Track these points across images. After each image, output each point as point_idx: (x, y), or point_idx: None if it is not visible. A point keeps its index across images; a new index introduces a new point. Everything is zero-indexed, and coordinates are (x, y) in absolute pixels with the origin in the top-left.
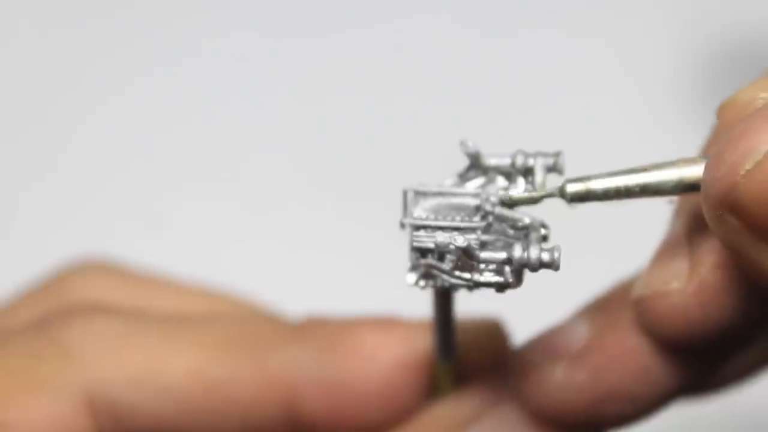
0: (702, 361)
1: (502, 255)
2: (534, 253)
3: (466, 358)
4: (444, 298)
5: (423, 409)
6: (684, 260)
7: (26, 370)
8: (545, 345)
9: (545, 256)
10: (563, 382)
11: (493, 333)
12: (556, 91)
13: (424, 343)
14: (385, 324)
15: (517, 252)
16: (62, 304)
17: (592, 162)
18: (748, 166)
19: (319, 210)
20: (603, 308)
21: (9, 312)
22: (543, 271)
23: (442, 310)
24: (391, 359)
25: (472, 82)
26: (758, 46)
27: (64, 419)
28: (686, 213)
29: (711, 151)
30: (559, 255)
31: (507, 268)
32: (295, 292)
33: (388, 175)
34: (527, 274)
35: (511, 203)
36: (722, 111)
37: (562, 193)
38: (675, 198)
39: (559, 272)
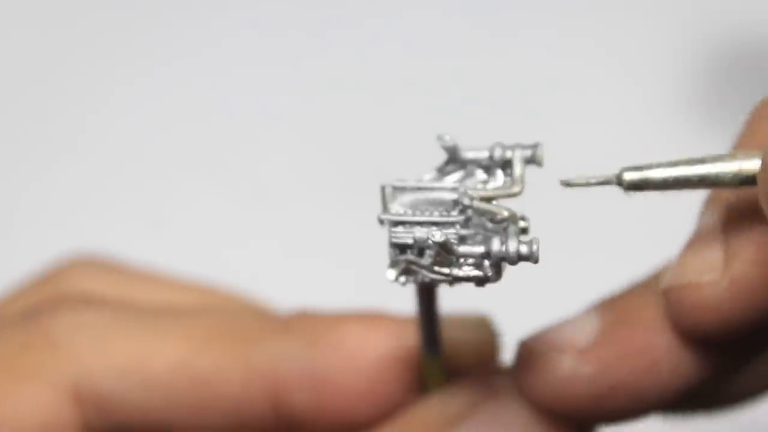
0: (718, 359)
1: (480, 249)
2: (512, 246)
3: (455, 354)
4: (427, 293)
5: (412, 404)
6: (718, 252)
7: (13, 360)
8: (554, 336)
9: (524, 249)
10: (570, 374)
11: (482, 329)
12: (556, 91)
13: (410, 338)
14: (371, 319)
15: (496, 245)
16: (51, 296)
17: (592, 162)
18: None
19: (316, 208)
20: (616, 304)
21: (0, 306)
22: (524, 265)
23: (425, 305)
24: (376, 354)
25: (471, 82)
26: (760, 46)
27: (50, 410)
28: (721, 204)
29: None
30: (538, 247)
31: (486, 262)
32: (292, 288)
33: (386, 173)
34: (510, 269)
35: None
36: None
37: (619, 181)
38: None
39: (554, 270)
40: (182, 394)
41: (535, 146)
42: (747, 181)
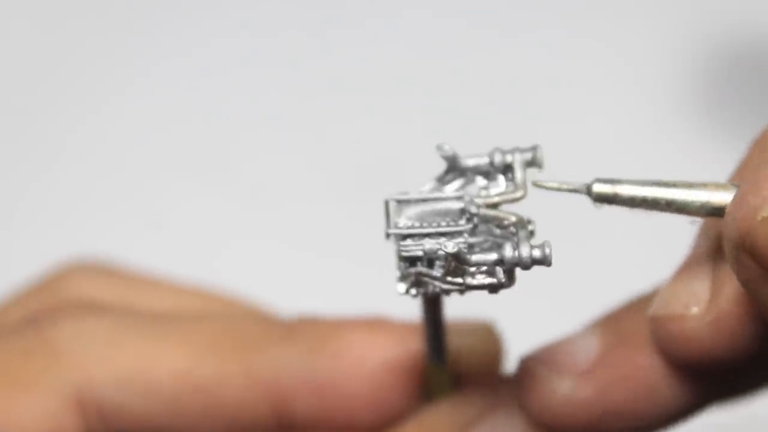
0: (714, 384)
1: (493, 256)
2: (525, 251)
3: (460, 361)
4: (433, 302)
5: (418, 410)
6: (706, 282)
7: (15, 368)
8: (553, 356)
9: (537, 253)
10: (568, 397)
11: (486, 336)
12: (556, 91)
13: (414, 344)
14: (374, 325)
15: (508, 251)
16: (53, 303)
17: (592, 162)
18: (765, 213)
19: (317, 210)
20: (615, 323)
21: (0, 312)
22: (536, 269)
23: (432, 313)
24: (380, 360)
25: (471, 82)
26: (760, 46)
27: (53, 418)
28: (713, 233)
29: (741, 184)
30: (551, 250)
31: (499, 269)
32: (293, 292)
33: (387, 174)
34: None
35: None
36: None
37: (588, 191)
38: (697, 218)
39: (555, 274)
40: (185, 401)
41: (534, 149)
42: (714, 213)
